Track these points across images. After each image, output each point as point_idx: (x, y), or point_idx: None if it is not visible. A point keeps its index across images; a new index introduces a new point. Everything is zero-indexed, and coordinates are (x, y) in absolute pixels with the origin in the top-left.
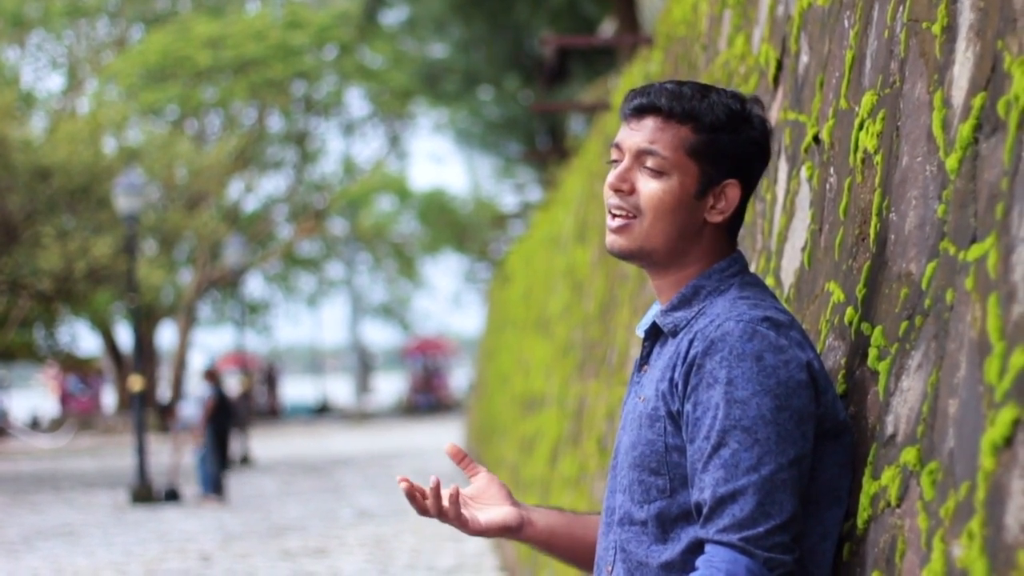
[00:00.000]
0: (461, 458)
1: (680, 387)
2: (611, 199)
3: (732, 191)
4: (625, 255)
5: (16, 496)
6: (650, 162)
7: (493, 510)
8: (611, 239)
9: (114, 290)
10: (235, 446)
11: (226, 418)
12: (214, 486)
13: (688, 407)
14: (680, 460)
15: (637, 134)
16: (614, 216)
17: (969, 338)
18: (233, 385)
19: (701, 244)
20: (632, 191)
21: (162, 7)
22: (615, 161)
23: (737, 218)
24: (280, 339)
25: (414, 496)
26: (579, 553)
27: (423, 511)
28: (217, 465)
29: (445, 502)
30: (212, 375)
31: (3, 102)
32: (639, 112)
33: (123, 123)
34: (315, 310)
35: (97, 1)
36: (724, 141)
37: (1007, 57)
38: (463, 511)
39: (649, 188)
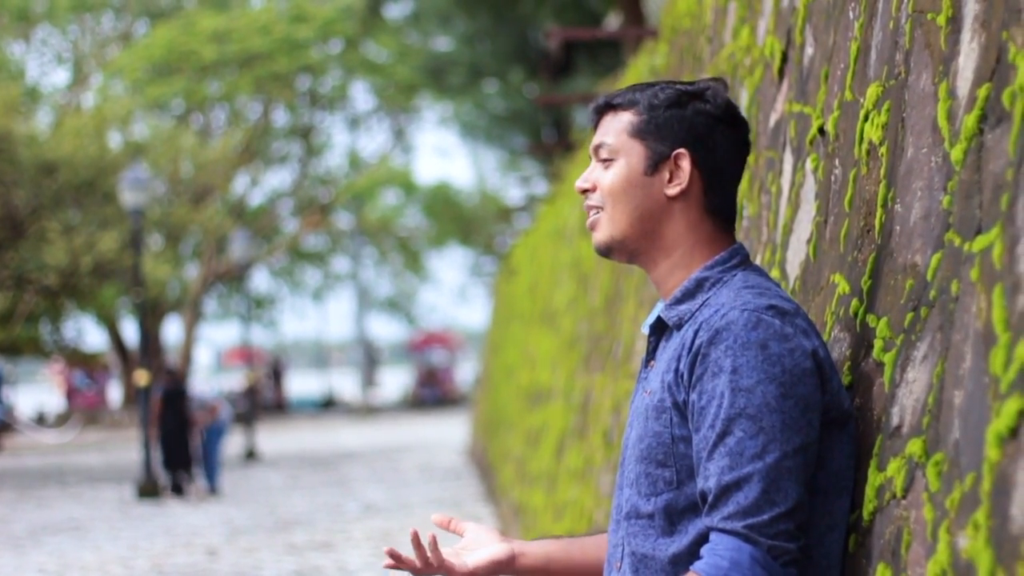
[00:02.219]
0: (447, 523)
1: (685, 377)
2: (585, 202)
3: (684, 161)
4: (604, 250)
5: (22, 491)
6: (603, 153)
7: (481, 550)
8: (592, 239)
9: (120, 285)
10: (241, 440)
11: (174, 416)
12: (173, 483)
13: (693, 396)
14: (687, 451)
15: (595, 135)
16: (588, 214)
17: (974, 329)
18: (239, 380)
19: (673, 223)
20: (595, 188)
21: (167, 2)
22: None
23: (719, 201)
24: (286, 333)
25: (400, 560)
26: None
27: (412, 569)
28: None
29: (428, 553)
30: (171, 373)
31: (8, 97)
32: (598, 116)
33: (128, 118)
34: (321, 304)
35: None
36: (666, 115)
37: (1012, 48)
38: (450, 560)
39: (603, 179)
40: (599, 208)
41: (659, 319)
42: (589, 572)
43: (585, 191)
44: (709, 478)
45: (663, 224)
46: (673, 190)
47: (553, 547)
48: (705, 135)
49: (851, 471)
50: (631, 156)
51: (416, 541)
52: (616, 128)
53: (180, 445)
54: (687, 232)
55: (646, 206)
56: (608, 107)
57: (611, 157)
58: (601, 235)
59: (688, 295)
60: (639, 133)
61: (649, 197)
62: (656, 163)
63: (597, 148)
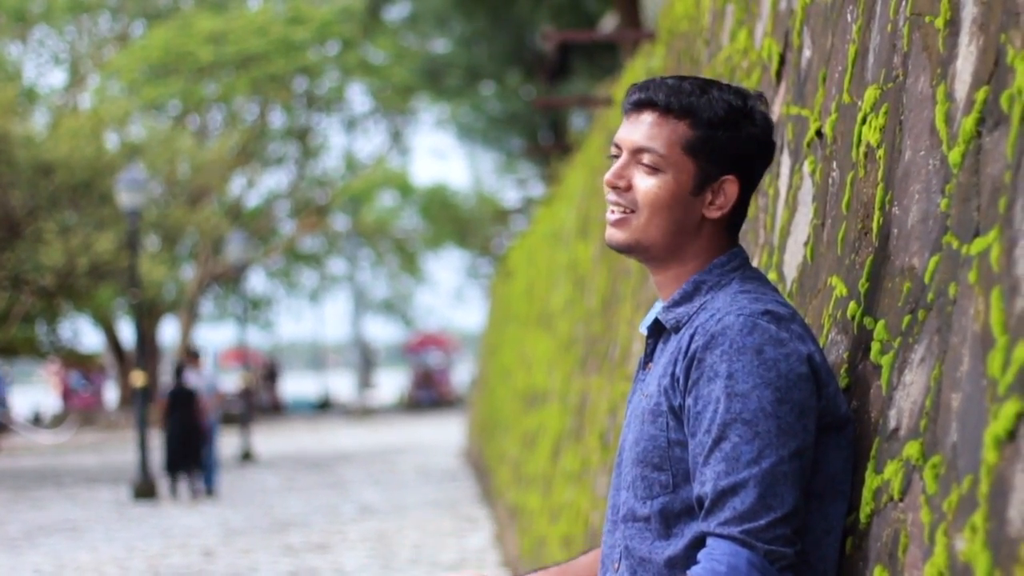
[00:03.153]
0: None
1: (681, 382)
2: (609, 195)
3: (731, 187)
4: (622, 248)
5: (18, 492)
6: (646, 159)
7: None
8: (609, 232)
9: (116, 286)
10: (237, 442)
11: (180, 417)
12: (174, 486)
13: (689, 401)
14: (683, 455)
15: (635, 130)
16: (613, 211)
17: (972, 332)
18: (235, 381)
19: (700, 239)
20: (629, 187)
21: (164, 3)
22: (615, 156)
23: (738, 213)
24: (282, 335)
25: None
26: None
27: None
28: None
29: None
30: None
31: (5, 98)
32: (638, 107)
33: (125, 119)
34: (317, 306)
35: None
36: (722, 138)
37: (1010, 51)
38: None
39: (645, 185)
40: (630, 210)
41: (657, 321)
42: None
43: (616, 187)
44: (705, 483)
45: (692, 240)
46: (714, 213)
47: (551, 573)
48: (750, 161)
49: (848, 475)
50: (681, 173)
51: None
52: (669, 138)
53: (185, 447)
54: (708, 247)
55: (683, 223)
56: (651, 104)
57: (658, 168)
58: (626, 237)
59: (686, 298)
60: (693, 151)
61: (688, 215)
62: (703, 184)
63: (640, 150)
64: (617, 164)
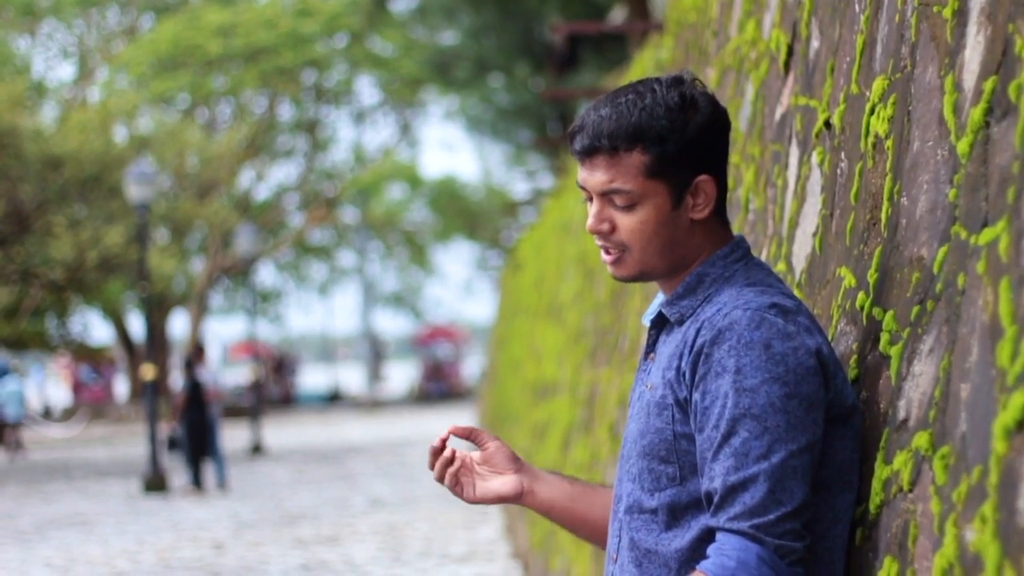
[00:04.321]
0: (469, 433)
1: (688, 376)
2: (597, 240)
3: (707, 185)
4: (630, 281)
5: (29, 486)
6: (618, 200)
7: (493, 480)
8: (611, 271)
9: (126, 279)
10: (247, 435)
11: (198, 409)
12: (194, 477)
13: (697, 396)
14: (689, 448)
15: (594, 175)
16: (607, 252)
17: (981, 322)
18: (244, 374)
19: (695, 239)
20: (612, 229)
21: None
22: (588, 200)
23: (723, 201)
24: (292, 327)
25: (435, 453)
26: (580, 530)
27: (433, 467)
28: (193, 456)
29: (447, 468)
30: (189, 364)
31: (14, 92)
32: (586, 154)
33: (134, 112)
34: (327, 298)
35: None
36: (677, 146)
37: (1018, 40)
38: (462, 478)
39: (627, 223)
40: (622, 250)
41: (660, 313)
42: (591, 528)
43: (600, 232)
44: (714, 479)
45: (688, 245)
46: (701, 214)
47: (560, 495)
48: (713, 150)
49: (855, 466)
50: (656, 197)
51: (438, 449)
52: (629, 172)
53: (204, 438)
54: (703, 241)
55: (676, 237)
56: (595, 150)
57: (633, 202)
58: (628, 271)
59: (689, 290)
60: (656, 172)
61: (678, 228)
62: (680, 195)
63: (608, 193)
64: (593, 210)
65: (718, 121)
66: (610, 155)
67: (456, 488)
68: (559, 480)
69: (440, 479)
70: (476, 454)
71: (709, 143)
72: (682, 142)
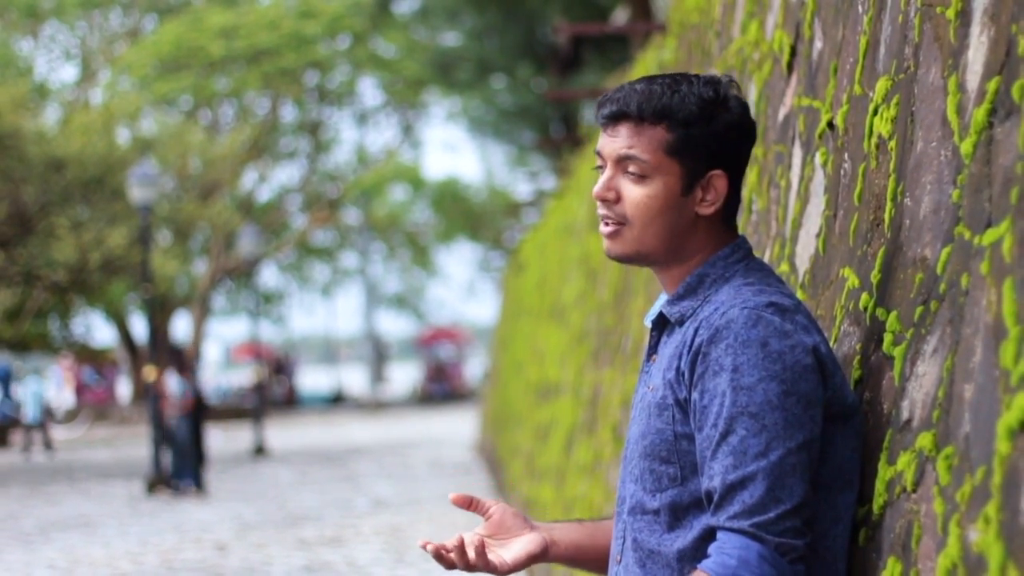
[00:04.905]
0: (469, 503)
1: (687, 375)
2: (600, 208)
3: (720, 182)
4: (622, 259)
5: (32, 487)
6: (631, 167)
7: (516, 543)
8: (606, 245)
9: (128, 281)
10: (250, 436)
11: (198, 413)
12: (195, 479)
13: (695, 395)
14: (690, 448)
15: (615, 141)
16: (606, 223)
17: (984, 323)
18: (247, 376)
19: (697, 236)
20: (618, 199)
21: None
22: (600, 167)
23: (731, 203)
24: (295, 329)
25: (440, 555)
26: (607, 562)
27: (451, 566)
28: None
29: (471, 554)
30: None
31: (17, 93)
32: (612, 119)
33: (136, 114)
34: (329, 300)
35: None
36: (701, 133)
37: (1021, 41)
38: (489, 556)
39: (634, 194)
40: (622, 221)
41: (661, 314)
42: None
43: (606, 200)
44: (714, 477)
45: (689, 239)
46: (707, 210)
47: (580, 535)
48: (735, 150)
49: (855, 464)
50: (668, 176)
51: (461, 548)
52: (650, 144)
53: (200, 442)
54: (706, 240)
55: (678, 225)
56: (624, 115)
57: (645, 175)
58: (623, 249)
59: (690, 291)
60: (675, 152)
61: (682, 216)
62: (692, 183)
63: (623, 159)
64: (604, 176)
65: (745, 125)
66: (636, 124)
67: (488, 566)
68: (569, 524)
69: (468, 567)
70: (480, 528)
71: (732, 142)
72: (706, 132)
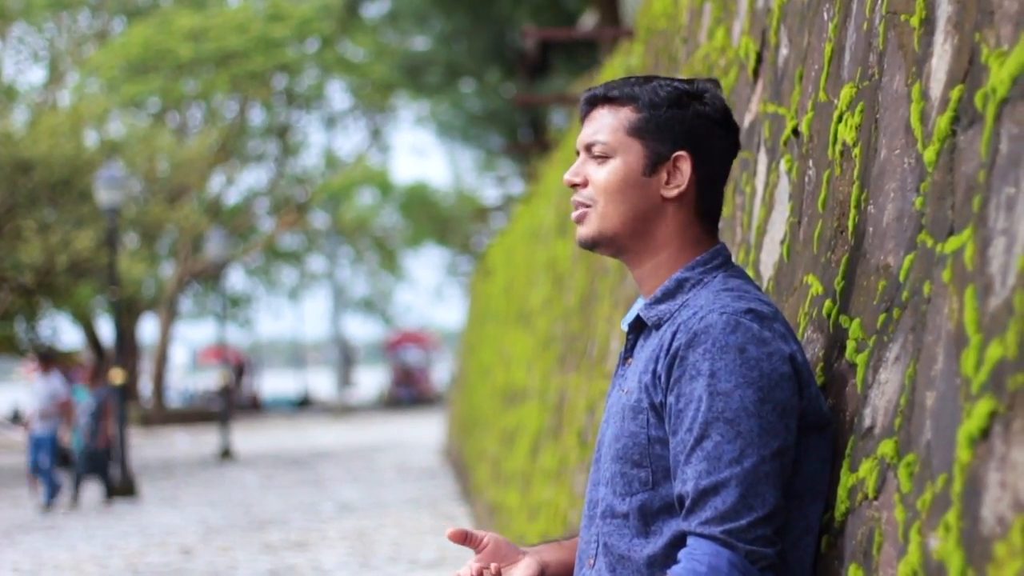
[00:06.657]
0: (464, 537)
1: (663, 379)
2: (573, 196)
3: (684, 164)
4: (589, 244)
5: None
6: (596, 150)
7: (517, 570)
8: (577, 234)
9: (96, 283)
10: (216, 440)
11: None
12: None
13: (671, 399)
14: (663, 452)
15: (586, 129)
16: (576, 208)
17: (946, 330)
18: (213, 379)
19: (665, 224)
20: (586, 183)
21: (144, 0)
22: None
23: (707, 200)
24: (262, 332)
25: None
26: None
27: None
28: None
29: None
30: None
31: None
32: (589, 106)
33: (104, 116)
34: (297, 303)
35: None
36: (666, 116)
37: (984, 49)
38: None
39: (598, 175)
40: (589, 204)
41: (638, 317)
42: None
43: (575, 185)
44: (687, 482)
45: (655, 224)
46: (671, 192)
47: (564, 553)
48: (704, 138)
49: (827, 476)
50: (629, 155)
51: None
52: (613, 125)
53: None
54: (677, 233)
55: (641, 206)
56: (603, 100)
57: (607, 155)
58: (589, 230)
59: (668, 295)
60: (638, 132)
61: (645, 198)
62: (655, 164)
63: (590, 144)
64: (575, 164)
65: (718, 119)
66: (606, 108)
67: None
68: (550, 545)
69: None
70: (477, 559)
71: (700, 130)
72: (672, 116)
